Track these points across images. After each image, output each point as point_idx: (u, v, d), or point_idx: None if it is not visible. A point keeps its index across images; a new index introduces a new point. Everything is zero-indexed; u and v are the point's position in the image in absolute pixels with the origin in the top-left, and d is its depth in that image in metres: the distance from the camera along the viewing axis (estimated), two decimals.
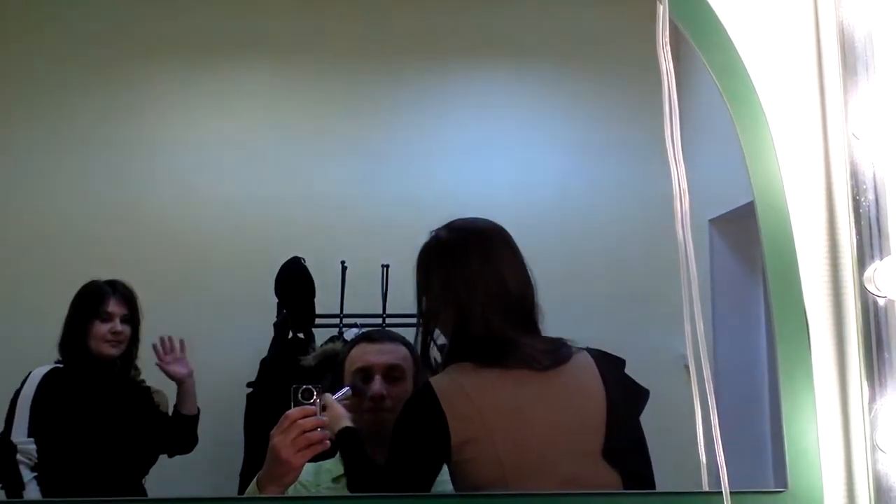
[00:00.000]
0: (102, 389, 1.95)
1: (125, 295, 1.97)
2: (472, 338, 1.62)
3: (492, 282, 1.64)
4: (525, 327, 1.65)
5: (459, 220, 1.72)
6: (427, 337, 1.69)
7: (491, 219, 1.77)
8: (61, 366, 1.91)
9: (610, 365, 1.65)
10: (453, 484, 1.59)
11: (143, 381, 2.00)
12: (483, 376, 1.60)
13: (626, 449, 1.60)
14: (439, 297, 1.68)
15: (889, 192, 1.48)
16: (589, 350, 1.66)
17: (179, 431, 1.96)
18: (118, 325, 1.94)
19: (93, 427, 1.89)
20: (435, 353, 1.73)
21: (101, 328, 1.93)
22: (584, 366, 1.64)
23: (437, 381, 1.61)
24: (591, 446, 1.59)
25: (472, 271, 1.65)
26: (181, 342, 1.97)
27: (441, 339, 1.70)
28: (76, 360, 1.92)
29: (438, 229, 1.71)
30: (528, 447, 1.57)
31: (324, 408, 1.62)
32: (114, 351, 1.94)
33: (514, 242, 1.69)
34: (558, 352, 1.63)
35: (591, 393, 1.62)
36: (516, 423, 1.58)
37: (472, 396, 1.57)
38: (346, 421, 1.66)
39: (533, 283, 1.68)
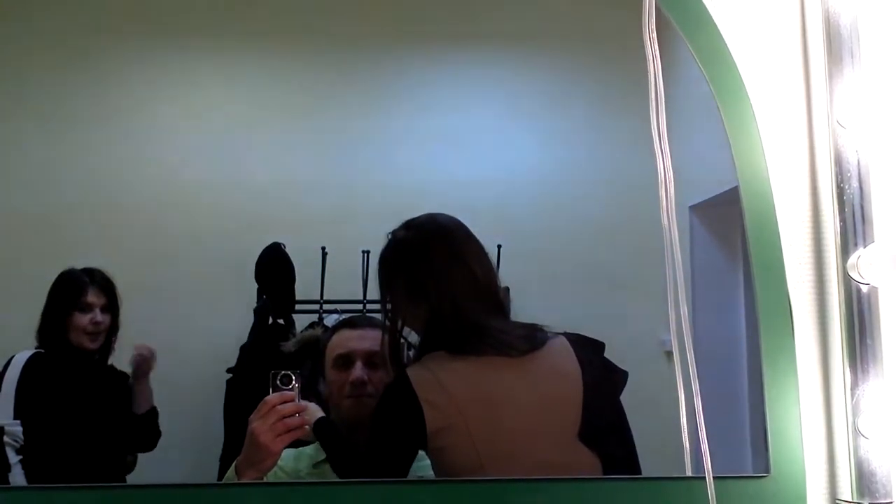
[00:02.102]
0: (83, 378, 1.94)
1: (103, 284, 1.95)
2: (445, 328, 1.63)
3: (460, 275, 1.65)
4: (497, 314, 1.67)
5: (416, 217, 1.74)
6: (395, 335, 1.70)
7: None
8: (43, 351, 1.89)
9: (587, 348, 1.66)
10: (433, 470, 1.61)
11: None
12: (457, 365, 1.61)
13: (604, 431, 1.62)
14: (407, 296, 1.70)
15: (873, 180, 1.49)
16: (566, 334, 1.67)
17: (137, 430, 1.95)
18: (98, 316, 1.92)
19: (76, 414, 1.88)
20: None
21: (82, 319, 1.91)
22: (560, 350, 1.65)
23: (413, 371, 1.62)
24: (568, 430, 1.60)
25: (439, 267, 1.67)
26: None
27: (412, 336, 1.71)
28: (55, 349, 1.90)
29: (395, 230, 1.72)
30: (503, 433, 1.58)
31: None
32: (93, 343, 1.92)
33: (472, 234, 1.70)
34: (533, 337, 1.64)
35: (567, 376, 1.63)
36: (490, 410, 1.59)
37: (445, 385, 1.59)
38: (318, 412, 1.67)
39: (496, 270, 1.71)
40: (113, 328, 1.94)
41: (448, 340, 1.63)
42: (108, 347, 1.95)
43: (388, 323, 1.71)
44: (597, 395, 1.62)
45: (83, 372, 1.94)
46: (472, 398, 1.59)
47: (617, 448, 1.62)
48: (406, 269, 1.70)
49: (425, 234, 1.72)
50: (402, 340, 1.71)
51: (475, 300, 1.64)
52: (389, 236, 1.73)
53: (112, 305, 1.94)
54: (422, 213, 1.75)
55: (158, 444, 1.95)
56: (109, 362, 1.96)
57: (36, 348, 1.89)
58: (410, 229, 1.72)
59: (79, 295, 1.92)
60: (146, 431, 1.94)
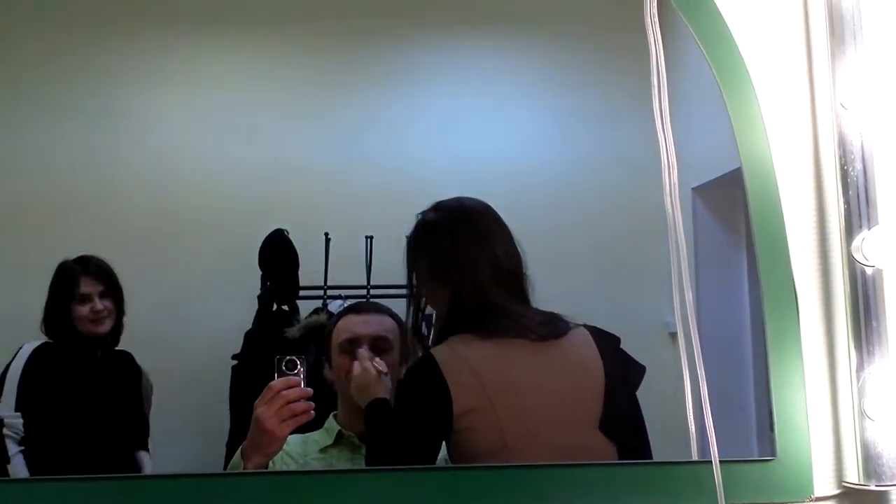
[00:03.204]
0: (93, 364, 1.94)
1: (98, 271, 1.94)
2: (469, 309, 1.65)
3: (483, 258, 1.67)
4: (519, 299, 1.68)
5: (445, 200, 1.74)
6: (418, 316, 1.73)
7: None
8: (51, 341, 1.89)
9: (607, 341, 1.67)
10: (449, 452, 1.60)
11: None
12: (483, 346, 1.62)
13: (622, 422, 1.63)
14: (431, 277, 1.72)
15: (877, 162, 1.48)
16: (586, 326, 1.68)
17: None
18: (98, 304, 1.91)
19: (81, 402, 1.88)
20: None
21: (82, 310, 1.91)
22: (582, 340, 1.67)
23: (439, 352, 1.62)
24: (589, 419, 1.61)
25: (463, 250, 1.68)
26: None
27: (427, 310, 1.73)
28: (63, 338, 1.90)
29: (425, 211, 1.74)
30: (528, 416, 1.59)
31: (382, 372, 1.70)
32: (100, 329, 1.91)
33: (500, 218, 1.72)
34: (554, 325, 1.66)
35: (590, 366, 1.64)
36: (517, 392, 1.60)
37: (473, 366, 1.59)
38: (381, 392, 1.69)
39: (522, 256, 1.71)
40: (118, 312, 1.94)
41: (471, 322, 1.64)
42: (117, 331, 1.95)
43: (412, 304, 1.73)
44: (617, 387, 1.64)
45: (92, 359, 1.94)
46: (499, 379, 1.60)
47: (632, 438, 1.64)
48: (431, 251, 1.72)
49: (452, 217, 1.73)
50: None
51: (497, 284, 1.65)
52: (419, 217, 1.74)
53: (112, 290, 1.93)
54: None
55: (165, 431, 1.95)
56: (119, 347, 1.96)
57: (46, 339, 1.89)
58: (438, 211, 1.74)
59: (73, 286, 1.91)
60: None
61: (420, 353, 1.72)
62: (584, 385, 1.64)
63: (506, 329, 1.63)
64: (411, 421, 1.61)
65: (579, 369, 1.66)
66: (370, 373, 1.70)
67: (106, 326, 1.92)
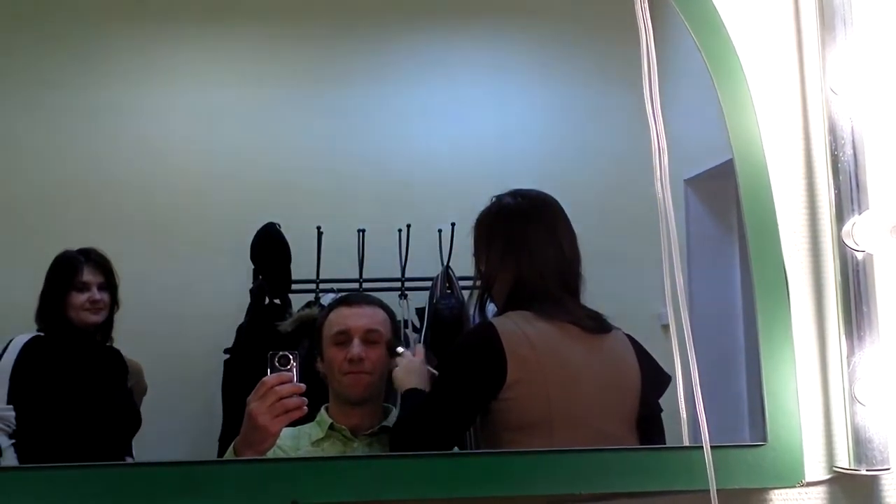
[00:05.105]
0: (84, 357, 1.94)
1: (99, 263, 1.95)
2: (528, 295, 1.69)
3: (552, 249, 1.72)
4: (571, 295, 1.72)
5: (520, 189, 1.78)
6: (483, 297, 1.78)
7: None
8: (43, 334, 1.88)
9: (639, 346, 1.72)
10: (485, 423, 1.64)
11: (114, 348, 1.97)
12: (541, 324, 1.66)
13: (651, 422, 1.68)
14: (499, 259, 1.75)
15: (867, 147, 1.49)
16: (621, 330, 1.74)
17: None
18: (96, 294, 1.92)
19: (75, 395, 1.88)
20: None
21: (79, 298, 1.91)
22: (623, 341, 1.71)
23: (499, 322, 1.67)
24: (629, 413, 1.67)
25: (534, 236, 1.73)
26: None
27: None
28: (56, 329, 1.90)
29: (501, 195, 1.77)
30: (576, 396, 1.64)
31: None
32: (95, 318, 1.91)
33: (568, 217, 1.76)
34: (601, 321, 1.70)
35: (631, 365, 1.69)
36: (570, 372, 1.66)
37: (531, 340, 1.63)
38: (416, 380, 1.72)
39: (581, 256, 1.75)
40: (112, 305, 1.94)
41: (532, 303, 1.68)
42: (109, 325, 1.94)
43: (477, 282, 1.79)
44: (650, 390, 1.68)
45: (84, 351, 1.94)
46: (554, 356, 1.65)
47: (654, 434, 1.67)
48: (502, 234, 1.76)
49: (530, 204, 1.78)
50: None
51: (558, 277, 1.71)
52: (493, 199, 1.77)
53: (110, 283, 1.93)
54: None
55: (157, 426, 1.94)
56: (109, 343, 1.95)
57: (37, 331, 1.89)
58: (517, 197, 1.78)
59: (74, 274, 1.91)
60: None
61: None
62: (628, 381, 1.69)
63: (561, 315, 1.67)
64: (459, 384, 1.66)
65: (623, 366, 1.70)
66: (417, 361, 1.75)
67: (100, 317, 1.92)
